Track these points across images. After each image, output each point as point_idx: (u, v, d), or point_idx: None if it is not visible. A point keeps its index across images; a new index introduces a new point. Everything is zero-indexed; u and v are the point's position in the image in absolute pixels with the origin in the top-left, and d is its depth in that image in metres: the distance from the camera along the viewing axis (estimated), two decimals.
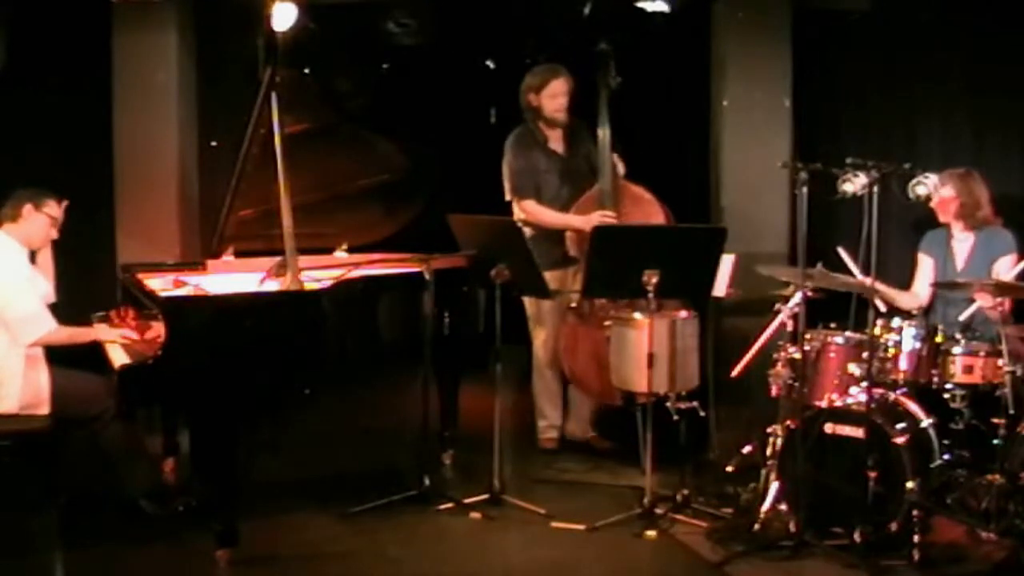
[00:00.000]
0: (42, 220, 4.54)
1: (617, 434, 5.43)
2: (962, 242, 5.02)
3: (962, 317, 4.70)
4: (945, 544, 4.28)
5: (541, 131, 5.59)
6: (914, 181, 4.46)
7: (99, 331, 4.70)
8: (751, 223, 5.76)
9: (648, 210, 5.40)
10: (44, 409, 4.44)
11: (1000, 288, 4.40)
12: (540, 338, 5.72)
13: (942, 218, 5.00)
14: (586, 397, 5.71)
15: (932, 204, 4.93)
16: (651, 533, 4.50)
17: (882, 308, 4.75)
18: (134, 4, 5.99)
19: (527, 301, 5.63)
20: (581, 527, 4.59)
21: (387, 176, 5.42)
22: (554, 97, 5.49)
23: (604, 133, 5.44)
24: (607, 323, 5.04)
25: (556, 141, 5.62)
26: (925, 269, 5.12)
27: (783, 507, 4.44)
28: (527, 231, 5.43)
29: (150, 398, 4.26)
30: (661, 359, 4.70)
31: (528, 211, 5.52)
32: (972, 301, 4.73)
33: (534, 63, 5.85)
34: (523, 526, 4.68)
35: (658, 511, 4.61)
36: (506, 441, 5.15)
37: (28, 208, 4.51)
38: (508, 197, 5.59)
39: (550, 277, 5.17)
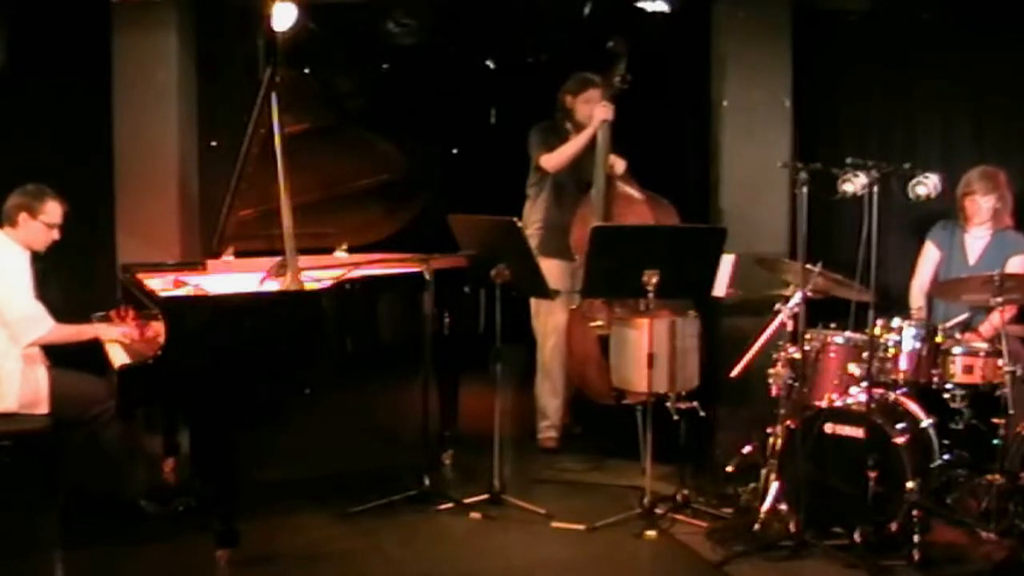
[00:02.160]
0: (38, 226, 4.53)
1: (617, 434, 5.43)
2: (977, 239, 5.05)
3: (951, 323, 4.70)
4: (945, 544, 4.29)
5: (566, 130, 5.72)
6: (914, 181, 4.46)
7: (99, 329, 4.70)
8: (751, 223, 5.76)
9: (639, 211, 5.42)
10: (43, 408, 4.45)
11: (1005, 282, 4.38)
12: (547, 336, 5.74)
13: (976, 220, 5.01)
14: (571, 385, 5.84)
15: (967, 205, 4.99)
16: (651, 533, 4.50)
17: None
18: (134, 4, 5.99)
19: (533, 300, 5.65)
20: (581, 527, 4.59)
21: (387, 176, 5.42)
22: (587, 103, 5.63)
23: (602, 134, 5.47)
24: (592, 324, 5.07)
25: None
26: (931, 259, 5.13)
27: (783, 507, 4.44)
28: (537, 224, 5.58)
29: (150, 398, 4.25)
30: (661, 359, 4.70)
31: (551, 157, 5.60)
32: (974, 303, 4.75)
33: (534, 63, 5.90)
34: (523, 526, 4.68)
35: (658, 511, 4.61)
36: (506, 441, 5.15)
37: (24, 216, 4.51)
38: (537, 163, 5.66)
39: (560, 266, 5.34)
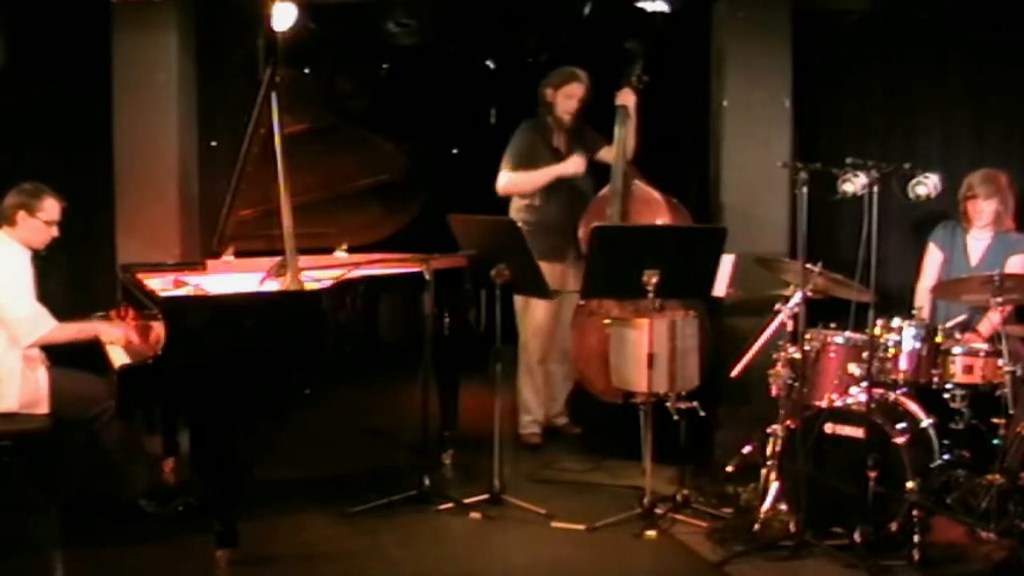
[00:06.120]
0: (37, 224, 4.53)
1: (617, 434, 5.44)
2: (979, 241, 5.05)
3: (951, 324, 4.69)
4: (945, 544, 4.29)
5: (549, 126, 5.74)
6: (914, 181, 4.46)
7: (100, 327, 4.70)
8: (751, 223, 5.76)
9: (656, 211, 5.43)
10: (43, 408, 4.45)
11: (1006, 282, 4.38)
12: (529, 334, 5.76)
13: (978, 223, 5.01)
14: (567, 384, 5.94)
15: (969, 208, 4.99)
16: (651, 533, 4.51)
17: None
18: (134, 4, 5.99)
19: (517, 297, 5.67)
20: (581, 527, 4.59)
21: (387, 176, 5.42)
22: (568, 98, 5.67)
23: (620, 133, 5.49)
24: (606, 321, 5.07)
25: (559, 138, 5.76)
26: (934, 261, 5.13)
27: (783, 507, 4.44)
28: (524, 224, 5.54)
29: (150, 398, 4.25)
30: (661, 359, 4.70)
31: (513, 179, 5.66)
32: (974, 304, 4.75)
33: (534, 63, 5.92)
34: (523, 526, 4.68)
35: (658, 511, 4.61)
36: (506, 441, 5.15)
37: (22, 215, 4.51)
38: (502, 169, 5.70)
39: (546, 267, 5.28)
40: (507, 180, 5.68)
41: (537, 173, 5.63)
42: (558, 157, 5.71)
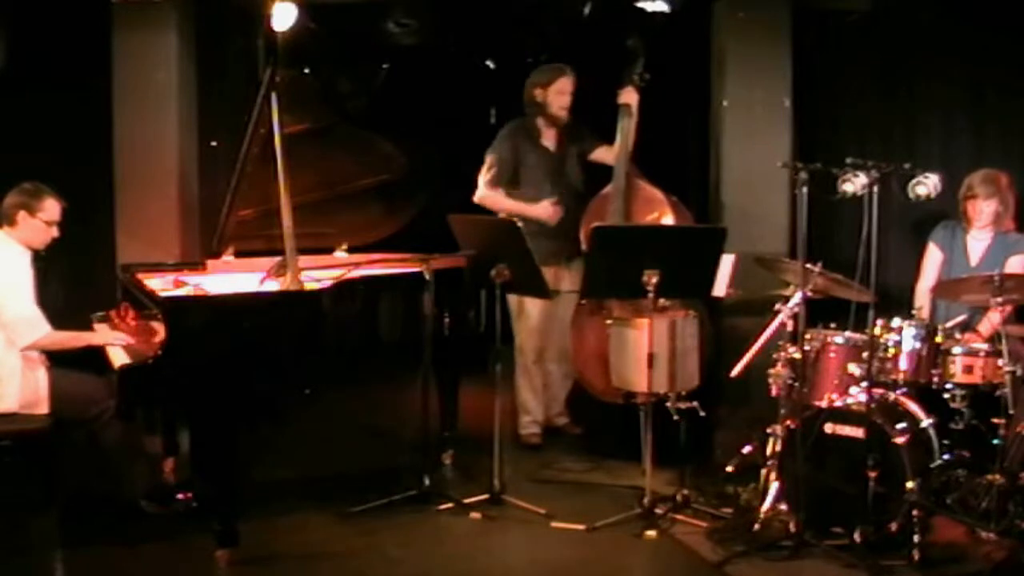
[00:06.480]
0: (37, 224, 4.53)
1: (617, 434, 5.44)
2: (979, 241, 5.05)
3: (951, 324, 4.69)
4: (945, 544, 4.29)
5: (537, 127, 5.71)
6: (914, 181, 4.46)
7: (96, 335, 4.69)
8: (751, 223, 5.76)
9: (659, 210, 5.43)
10: (43, 408, 4.45)
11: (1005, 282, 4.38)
12: (524, 335, 5.76)
13: (978, 223, 5.01)
14: (566, 384, 5.93)
15: (969, 208, 5.00)
16: (651, 533, 4.51)
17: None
18: (134, 4, 5.98)
19: (511, 298, 5.66)
20: (581, 527, 4.59)
21: (387, 176, 5.43)
22: (560, 94, 5.63)
23: (623, 131, 5.48)
24: (608, 322, 5.08)
25: (549, 138, 5.75)
26: (934, 261, 5.14)
27: (783, 507, 4.44)
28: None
29: (150, 398, 4.25)
30: (661, 359, 4.70)
31: (489, 197, 5.61)
32: (974, 303, 4.75)
33: (534, 63, 5.93)
34: (523, 526, 4.68)
35: (658, 511, 4.61)
36: (506, 441, 5.14)
37: (23, 215, 4.51)
38: (480, 178, 5.67)
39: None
40: (482, 195, 5.65)
41: (509, 203, 5.58)
42: (548, 157, 5.69)
